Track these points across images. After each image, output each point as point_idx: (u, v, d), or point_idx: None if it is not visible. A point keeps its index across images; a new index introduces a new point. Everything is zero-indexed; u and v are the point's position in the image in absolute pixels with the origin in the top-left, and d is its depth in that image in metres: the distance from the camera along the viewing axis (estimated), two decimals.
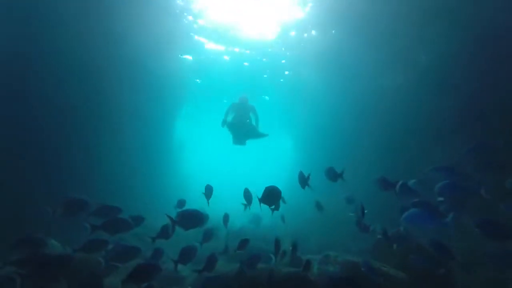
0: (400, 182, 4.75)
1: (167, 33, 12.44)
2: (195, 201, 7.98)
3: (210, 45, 14.55)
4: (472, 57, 8.10)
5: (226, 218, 6.50)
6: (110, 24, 10.00)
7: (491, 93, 7.67)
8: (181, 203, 6.61)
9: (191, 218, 4.42)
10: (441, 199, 4.73)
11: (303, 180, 5.11)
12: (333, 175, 5.29)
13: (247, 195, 5.80)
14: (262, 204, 4.83)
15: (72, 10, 8.87)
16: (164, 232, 4.85)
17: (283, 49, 14.56)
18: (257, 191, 5.49)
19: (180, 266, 4.99)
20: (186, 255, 4.82)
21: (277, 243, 5.35)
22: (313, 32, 12.95)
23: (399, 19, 9.82)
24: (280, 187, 4.93)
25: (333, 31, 12.57)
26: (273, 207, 5.08)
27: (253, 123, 11.57)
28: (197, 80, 18.28)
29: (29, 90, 8.41)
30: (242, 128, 11.38)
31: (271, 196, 4.54)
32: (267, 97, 21.40)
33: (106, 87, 10.58)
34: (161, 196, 13.41)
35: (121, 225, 4.70)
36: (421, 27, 9.45)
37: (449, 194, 4.50)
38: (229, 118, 11.36)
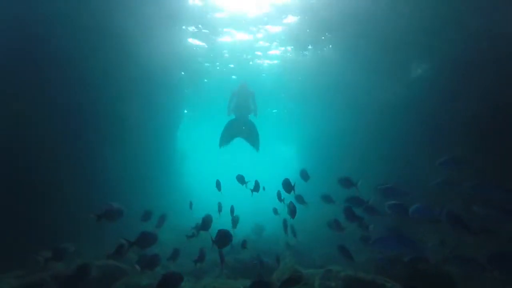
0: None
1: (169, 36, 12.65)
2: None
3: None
4: (473, 70, 8.23)
5: (232, 209, 7.35)
6: (122, 44, 10.38)
7: (490, 106, 7.82)
8: (191, 204, 8.24)
9: (226, 238, 5.15)
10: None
11: (288, 186, 6.17)
12: (305, 176, 6.60)
13: (241, 179, 7.40)
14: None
15: (87, 23, 9.19)
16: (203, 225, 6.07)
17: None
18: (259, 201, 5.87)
19: None
20: (203, 254, 6.13)
21: (284, 223, 6.61)
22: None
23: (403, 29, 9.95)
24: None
25: (330, 46, 12.85)
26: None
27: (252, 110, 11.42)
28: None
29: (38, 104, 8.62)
30: (243, 120, 11.34)
31: (295, 211, 6.04)
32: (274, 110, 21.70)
33: (110, 98, 10.79)
34: (162, 206, 13.44)
35: (151, 239, 5.30)
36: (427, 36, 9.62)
37: (419, 216, 5.01)
38: (232, 106, 11.32)
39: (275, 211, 7.86)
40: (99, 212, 4.93)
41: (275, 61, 15.00)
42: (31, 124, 8.50)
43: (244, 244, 6.33)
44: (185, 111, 20.64)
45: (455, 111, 8.79)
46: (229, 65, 15.45)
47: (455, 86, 8.92)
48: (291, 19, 11.85)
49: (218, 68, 15.74)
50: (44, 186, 8.36)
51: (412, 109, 10.17)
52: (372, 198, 5.90)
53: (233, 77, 16.09)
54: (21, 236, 6.94)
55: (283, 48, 13.99)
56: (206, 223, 6.04)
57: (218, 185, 7.92)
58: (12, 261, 6.13)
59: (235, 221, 7.25)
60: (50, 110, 8.95)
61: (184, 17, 11.94)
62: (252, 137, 11.60)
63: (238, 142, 11.94)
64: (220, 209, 7.52)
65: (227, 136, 11.49)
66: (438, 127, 9.15)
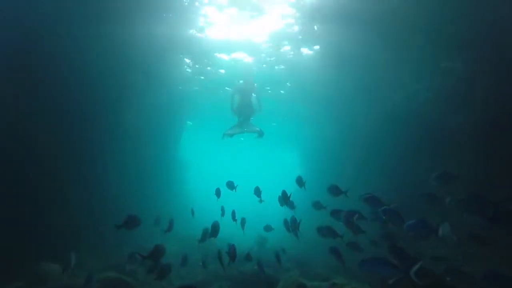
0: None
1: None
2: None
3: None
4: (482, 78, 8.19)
5: (233, 214, 7.57)
6: (123, 55, 10.45)
7: (491, 115, 7.84)
8: (193, 211, 8.98)
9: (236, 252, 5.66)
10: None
11: (285, 198, 6.51)
12: (300, 183, 7.12)
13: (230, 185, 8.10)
14: None
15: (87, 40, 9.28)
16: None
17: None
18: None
19: None
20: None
21: (285, 222, 6.99)
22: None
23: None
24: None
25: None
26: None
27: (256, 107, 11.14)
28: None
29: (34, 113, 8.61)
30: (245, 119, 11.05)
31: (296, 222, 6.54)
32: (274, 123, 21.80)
33: (111, 102, 10.84)
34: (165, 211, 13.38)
35: (161, 251, 5.62)
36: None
37: (414, 231, 4.92)
38: (235, 104, 10.98)
39: (269, 228, 8.34)
40: (121, 223, 5.27)
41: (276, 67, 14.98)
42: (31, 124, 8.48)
43: (248, 256, 6.27)
44: (189, 122, 20.72)
45: (455, 121, 8.80)
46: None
47: (455, 96, 8.91)
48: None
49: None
50: (44, 193, 8.28)
51: (412, 117, 10.14)
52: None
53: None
54: (20, 245, 6.83)
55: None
56: (214, 229, 6.20)
57: (218, 193, 8.31)
58: (11, 272, 6.04)
59: (243, 223, 7.49)
60: (50, 112, 8.91)
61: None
62: (255, 131, 11.37)
63: (241, 145, 11.78)
64: (223, 213, 7.93)
65: (230, 132, 11.32)
66: (439, 136, 9.16)
